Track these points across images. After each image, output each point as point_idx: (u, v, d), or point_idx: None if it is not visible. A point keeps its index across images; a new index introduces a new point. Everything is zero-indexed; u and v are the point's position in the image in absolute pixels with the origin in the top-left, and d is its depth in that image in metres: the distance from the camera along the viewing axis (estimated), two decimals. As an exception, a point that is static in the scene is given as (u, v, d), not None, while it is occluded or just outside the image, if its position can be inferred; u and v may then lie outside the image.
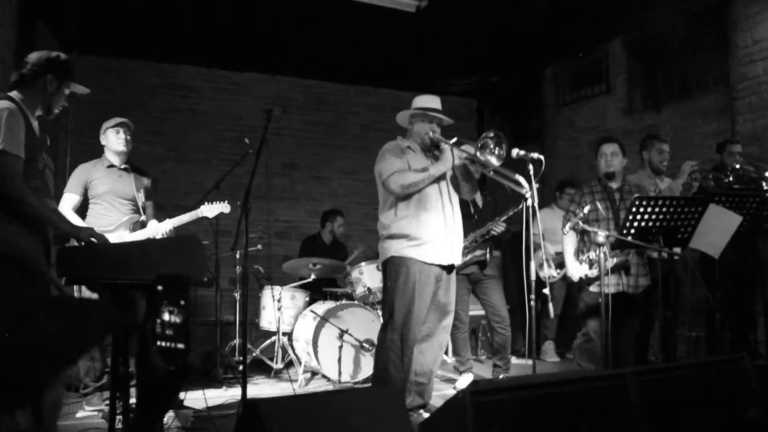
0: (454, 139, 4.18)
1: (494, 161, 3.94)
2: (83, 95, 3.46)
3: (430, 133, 4.29)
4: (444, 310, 4.32)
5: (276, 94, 8.69)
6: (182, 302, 1.18)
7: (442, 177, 4.23)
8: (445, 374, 6.12)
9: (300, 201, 8.72)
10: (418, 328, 4.13)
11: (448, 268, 4.31)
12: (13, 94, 3.12)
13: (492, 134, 3.98)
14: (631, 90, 7.58)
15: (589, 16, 6.80)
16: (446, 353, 6.70)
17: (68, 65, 3.30)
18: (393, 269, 4.13)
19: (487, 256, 5.50)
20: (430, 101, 4.43)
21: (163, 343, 1.16)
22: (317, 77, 8.85)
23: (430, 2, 6.19)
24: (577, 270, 4.64)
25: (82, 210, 4.46)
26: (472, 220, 5.51)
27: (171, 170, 7.95)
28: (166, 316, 1.16)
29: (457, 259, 4.38)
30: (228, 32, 7.11)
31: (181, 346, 1.15)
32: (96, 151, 6.98)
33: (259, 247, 6.24)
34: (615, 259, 4.40)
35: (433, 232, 4.15)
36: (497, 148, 3.96)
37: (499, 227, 5.47)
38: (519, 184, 3.78)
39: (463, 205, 5.50)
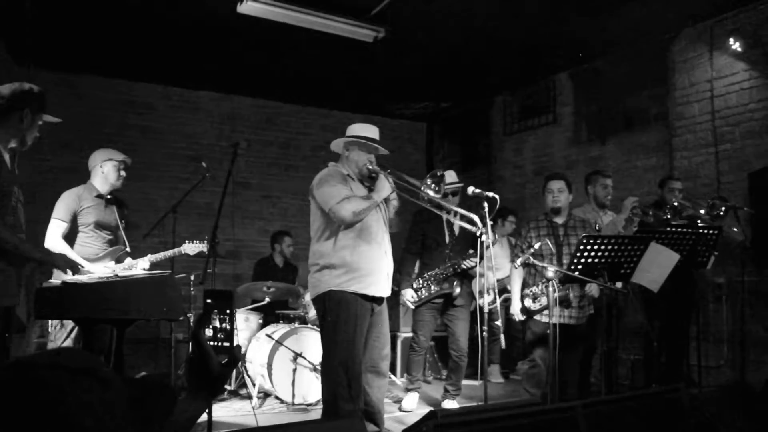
0: (388, 170, 4.20)
1: (432, 194, 4.05)
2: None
3: (368, 163, 4.25)
4: (382, 341, 4.36)
5: (229, 113, 8.75)
6: (228, 311, 1.53)
7: (379, 208, 4.25)
8: (396, 394, 6.24)
9: (251, 220, 8.77)
10: (359, 359, 4.14)
11: (381, 300, 4.32)
12: None
13: (438, 173, 4.10)
14: (578, 121, 7.90)
15: (539, 48, 7.09)
16: (395, 373, 6.85)
17: (41, 97, 3.31)
18: (333, 304, 4.06)
19: (455, 290, 5.47)
20: (368, 130, 4.37)
21: (215, 343, 1.49)
22: (271, 97, 8.94)
23: (387, 33, 6.36)
24: (518, 310, 4.91)
25: (68, 238, 4.40)
26: (445, 249, 5.57)
27: (123, 187, 7.86)
28: (216, 323, 1.50)
29: (389, 292, 4.35)
30: (184, 50, 7.16)
31: (228, 343, 1.50)
32: (46, 167, 6.97)
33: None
34: (557, 294, 4.61)
35: (373, 264, 4.14)
36: (434, 185, 4.02)
37: (468, 263, 5.40)
38: (472, 222, 3.94)
39: (439, 232, 5.58)
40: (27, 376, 0.92)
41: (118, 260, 4.56)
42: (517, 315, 4.92)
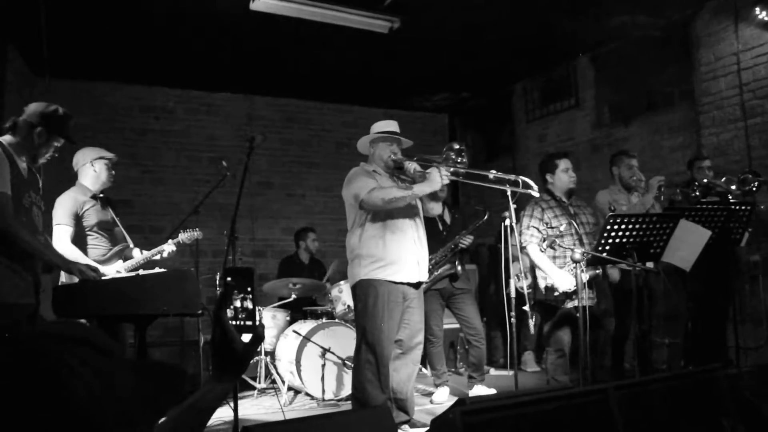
0: (415, 158, 4.32)
1: (459, 168, 4.08)
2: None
3: (392, 155, 4.38)
4: (414, 328, 4.40)
5: (249, 114, 8.75)
6: (249, 289, 1.47)
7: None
8: (425, 388, 6.18)
9: (276, 219, 8.76)
10: (391, 347, 4.23)
11: (416, 285, 4.38)
12: (3, 138, 3.21)
13: (456, 146, 4.12)
14: (600, 104, 7.75)
15: (557, 32, 6.96)
16: (425, 367, 6.78)
17: (62, 120, 3.35)
18: (362, 292, 4.21)
19: (458, 268, 5.59)
20: (389, 125, 4.52)
21: (237, 322, 1.45)
22: (290, 95, 8.92)
23: (403, 23, 6.29)
24: (567, 280, 4.51)
25: (75, 242, 4.32)
26: (440, 237, 5.62)
27: (146, 192, 7.93)
28: (237, 303, 1.44)
29: (424, 276, 4.45)
30: (199, 53, 7.15)
31: (250, 322, 1.47)
32: (69, 175, 7.00)
33: (238, 267, 6.27)
34: (588, 275, 4.51)
35: (400, 252, 4.22)
36: (459, 157, 4.09)
37: (466, 240, 5.58)
38: (527, 185, 3.89)
39: (432, 223, 5.60)
40: (22, 345, 0.89)
41: (126, 258, 4.51)
42: (564, 287, 4.52)
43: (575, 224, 4.68)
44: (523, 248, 4.71)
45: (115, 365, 0.92)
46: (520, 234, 4.72)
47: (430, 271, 5.51)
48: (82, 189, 4.45)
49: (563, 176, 4.80)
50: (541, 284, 4.70)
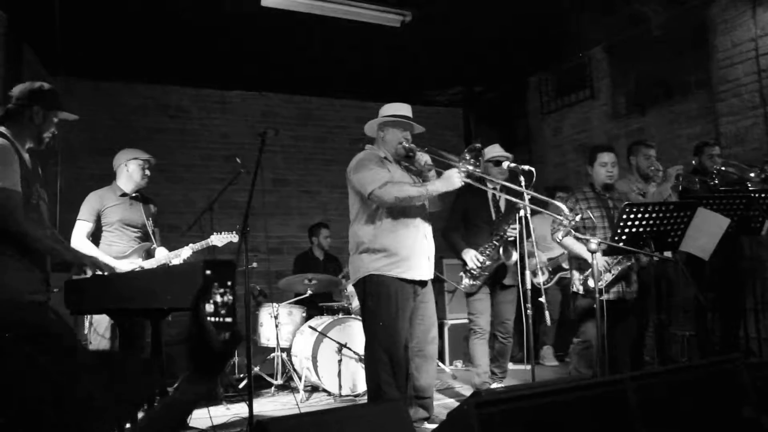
0: (426, 149, 4.12)
1: (471, 168, 3.90)
2: (72, 121, 3.45)
3: (404, 141, 4.16)
4: (428, 323, 4.27)
5: (263, 111, 8.75)
6: (230, 283, 1.40)
7: None
8: (445, 382, 6.15)
9: (291, 216, 8.76)
10: (402, 344, 4.05)
11: (425, 283, 4.23)
12: (2, 129, 3.13)
13: (477, 146, 3.98)
14: (616, 95, 7.67)
15: (571, 23, 6.89)
16: (443, 361, 6.75)
17: (53, 94, 3.30)
18: (373, 288, 4.00)
19: (512, 256, 5.05)
20: (401, 109, 4.27)
21: (215, 318, 1.36)
22: (303, 93, 8.91)
23: (414, 16, 6.25)
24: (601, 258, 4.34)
25: (94, 238, 4.53)
26: (491, 226, 5.20)
27: (162, 191, 7.92)
28: (217, 297, 1.37)
29: (431, 275, 4.26)
30: (213, 51, 7.17)
31: (229, 319, 1.40)
32: (86, 175, 7.06)
33: (255, 264, 6.26)
34: (619, 267, 4.45)
35: (414, 247, 4.06)
36: (473, 159, 3.92)
37: (512, 230, 4.91)
38: (547, 205, 3.78)
39: (484, 207, 5.25)
40: None
41: (148, 255, 4.62)
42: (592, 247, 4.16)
43: (605, 217, 4.64)
44: (552, 234, 4.76)
45: (75, 357, 0.90)
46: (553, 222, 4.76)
47: (482, 265, 5.08)
48: (113, 188, 4.65)
49: (599, 170, 4.77)
50: (580, 276, 4.65)
